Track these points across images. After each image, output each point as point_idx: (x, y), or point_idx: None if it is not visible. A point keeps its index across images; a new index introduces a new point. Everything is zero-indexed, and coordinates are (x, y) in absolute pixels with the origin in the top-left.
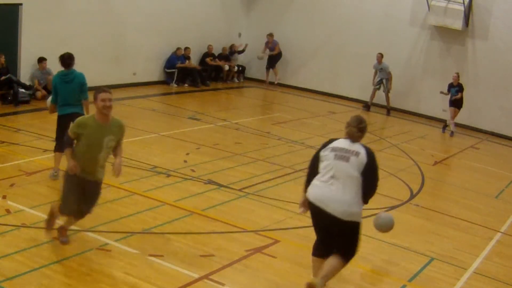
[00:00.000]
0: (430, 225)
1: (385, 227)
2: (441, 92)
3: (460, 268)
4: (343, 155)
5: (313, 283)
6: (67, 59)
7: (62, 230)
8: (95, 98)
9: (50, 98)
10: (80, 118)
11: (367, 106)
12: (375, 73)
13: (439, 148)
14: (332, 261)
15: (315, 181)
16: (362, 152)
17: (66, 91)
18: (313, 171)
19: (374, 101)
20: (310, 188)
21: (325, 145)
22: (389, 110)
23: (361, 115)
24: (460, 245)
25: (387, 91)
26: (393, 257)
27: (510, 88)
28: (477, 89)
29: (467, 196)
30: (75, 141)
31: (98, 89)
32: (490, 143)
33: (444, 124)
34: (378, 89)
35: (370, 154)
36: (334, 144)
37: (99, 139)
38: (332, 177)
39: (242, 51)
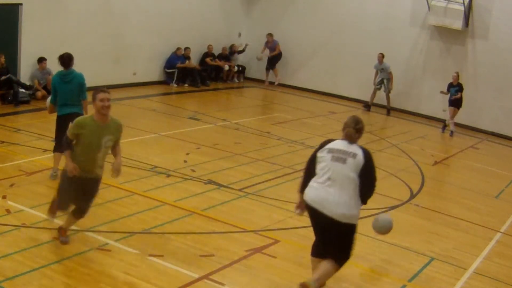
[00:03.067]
0: (430, 225)
1: (384, 229)
2: (441, 92)
3: (460, 268)
4: (340, 157)
5: (307, 284)
6: (66, 59)
7: (62, 230)
8: (94, 99)
9: (49, 98)
10: (78, 118)
11: (367, 106)
12: (376, 73)
13: (439, 148)
14: (326, 264)
15: (312, 183)
16: (359, 153)
17: (65, 91)
18: (309, 172)
19: (374, 101)
20: (307, 190)
21: (322, 146)
22: (389, 110)
23: (358, 115)
24: (460, 245)
25: (387, 92)
26: (393, 257)
27: (510, 88)
28: (477, 89)
29: (467, 196)
30: (74, 141)
31: (96, 89)
32: (490, 143)
33: (444, 124)
34: (379, 89)
35: (367, 156)
36: (331, 145)
37: (98, 139)
38: (329, 178)
39: (242, 51)
